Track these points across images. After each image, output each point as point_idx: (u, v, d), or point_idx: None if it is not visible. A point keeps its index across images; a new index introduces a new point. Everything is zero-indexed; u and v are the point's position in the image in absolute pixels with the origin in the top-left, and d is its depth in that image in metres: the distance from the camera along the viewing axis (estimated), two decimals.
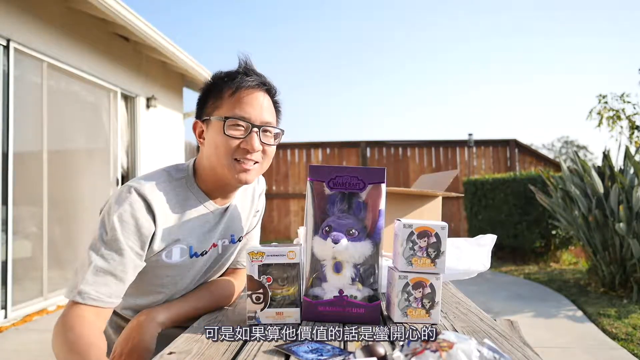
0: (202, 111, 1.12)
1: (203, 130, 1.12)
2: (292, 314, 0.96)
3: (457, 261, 1.26)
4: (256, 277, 0.95)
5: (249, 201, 1.27)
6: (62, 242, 4.47)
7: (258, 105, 1.08)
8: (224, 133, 1.05)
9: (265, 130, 1.09)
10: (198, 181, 1.14)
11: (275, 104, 1.15)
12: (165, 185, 1.08)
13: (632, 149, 5.95)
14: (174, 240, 1.07)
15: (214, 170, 1.10)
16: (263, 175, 1.26)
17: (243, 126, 1.06)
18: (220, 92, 1.09)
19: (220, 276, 1.27)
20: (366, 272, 0.97)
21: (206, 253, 1.15)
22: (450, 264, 1.24)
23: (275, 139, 1.13)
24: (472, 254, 1.28)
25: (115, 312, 1.15)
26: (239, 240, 1.24)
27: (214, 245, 1.17)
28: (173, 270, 1.09)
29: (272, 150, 1.12)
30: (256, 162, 1.09)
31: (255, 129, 1.07)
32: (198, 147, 1.17)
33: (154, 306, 1.09)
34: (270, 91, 1.13)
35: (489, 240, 1.31)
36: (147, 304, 1.11)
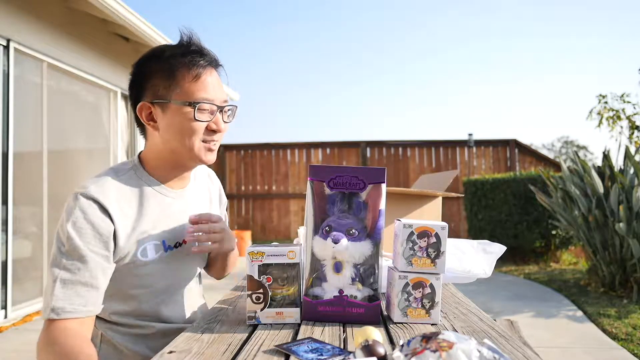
0: (149, 92, 1.07)
1: (151, 112, 1.07)
2: (292, 314, 0.96)
3: (458, 263, 1.25)
4: (256, 277, 0.95)
5: (205, 191, 1.27)
6: None
7: (218, 85, 1.09)
8: (195, 118, 1.04)
9: (227, 109, 1.12)
10: (148, 169, 1.12)
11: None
12: (112, 181, 1.05)
13: (632, 149, 5.95)
14: (141, 233, 1.05)
15: (175, 154, 1.09)
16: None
17: (208, 109, 1.06)
18: (173, 72, 1.04)
19: (206, 267, 1.31)
20: (366, 272, 0.97)
21: (180, 245, 1.13)
22: (450, 266, 1.23)
23: (232, 116, 1.15)
24: (475, 258, 1.27)
25: (103, 319, 1.12)
26: None
27: None
28: (151, 268, 1.08)
29: (228, 127, 1.14)
30: (217, 141, 1.11)
31: (220, 110, 1.08)
32: (143, 132, 1.14)
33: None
34: (219, 65, 1.12)
35: (496, 249, 1.29)
36: (132, 309, 1.10)
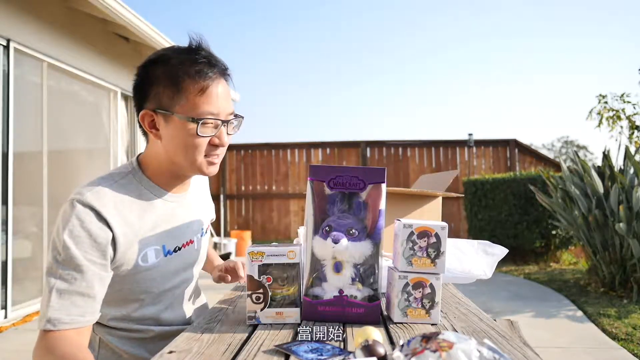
0: (152, 99, 1.03)
1: (154, 120, 1.04)
2: (292, 314, 0.96)
3: (458, 263, 1.25)
4: (256, 277, 0.95)
5: (199, 192, 1.27)
6: None
7: (225, 97, 1.04)
8: (197, 134, 1.01)
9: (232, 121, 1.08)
10: (149, 174, 1.09)
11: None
12: (110, 188, 1.02)
13: (632, 149, 5.95)
14: (142, 239, 1.04)
15: (175, 164, 1.07)
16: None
17: (212, 123, 1.02)
18: (179, 82, 1.00)
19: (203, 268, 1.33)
20: (366, 272, 0.97)
21: (179, 249, 1.12)
22: (450, 266, 1.23)
23: (237, 127, 1.11)
24: (475, 259, 1.27)
25: (101, 324, 1.11)
26: (206, 232, 1.26)
27: (191, 241, 1.16)
28: (152, 273, 1.07)
29: (231, 137, 1.11)
30: (220, 154, 1.09)
31: (224, 124, 1.05)
32: (145, 134, 1.10)
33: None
34: (228, 75, 1.08)
35: (498, 251, 1.28)
36: (132, 313, 1.09)
